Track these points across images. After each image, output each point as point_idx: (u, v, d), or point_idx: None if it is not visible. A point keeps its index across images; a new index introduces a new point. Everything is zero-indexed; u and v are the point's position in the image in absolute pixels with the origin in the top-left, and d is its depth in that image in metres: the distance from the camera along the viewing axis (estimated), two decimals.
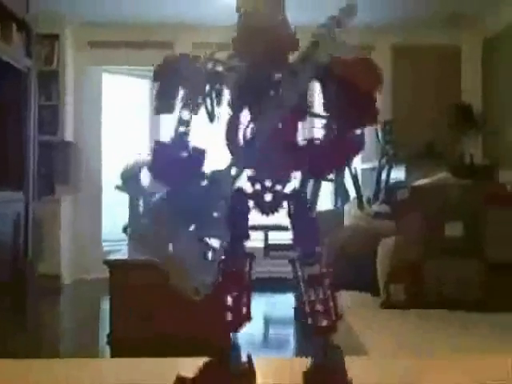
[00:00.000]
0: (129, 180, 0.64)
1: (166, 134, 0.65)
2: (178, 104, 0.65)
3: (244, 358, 0.68)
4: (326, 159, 0.64)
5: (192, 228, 0.56)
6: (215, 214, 0.56)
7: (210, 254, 0.56)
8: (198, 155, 0.62)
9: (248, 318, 0.66)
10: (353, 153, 0.65)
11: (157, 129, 7.15)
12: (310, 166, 0.65)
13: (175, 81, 0.65)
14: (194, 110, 0.64)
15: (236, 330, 0.67)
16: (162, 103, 0.66)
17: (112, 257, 4.10)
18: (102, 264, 3.96)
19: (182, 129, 0.64)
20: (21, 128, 4.65)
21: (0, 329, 4.06)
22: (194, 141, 0.64)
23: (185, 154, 0.62)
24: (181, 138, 0.63)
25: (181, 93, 0.65)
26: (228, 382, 0.66)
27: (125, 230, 0.60)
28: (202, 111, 0.65)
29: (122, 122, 7.35)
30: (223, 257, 0.64)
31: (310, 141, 0.64)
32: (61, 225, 6.58)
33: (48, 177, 6.62)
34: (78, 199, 6.98)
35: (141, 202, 0.61)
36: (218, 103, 0.65)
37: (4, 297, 4.31)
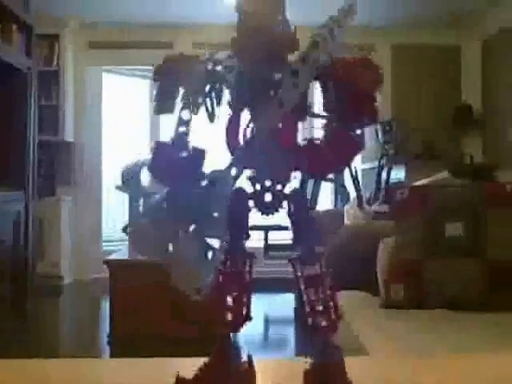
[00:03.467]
0: (129, 180, 0.64)
1: (166, 134, 0.65)
2: (178, 104, 0.65)
3: (244, 358, 0.68)
4: (326, 160, 0.64)
5: (192, 228, 0.56)
6: (215, 214, 0.56)
7: (209, 254, 0.56)
8: (198, 155, 0.63)
9: (248, 317, 0.66)
10: (352, 153, 0.65)
11: (157, 129, 7.16)
12: (309, 166, 0.65)
13: (175, 81, 0.65)
14: (194, 110, 0.64)
15: (236, 330, 0.67)
16: (163, 103, 0.66)
17: (112, 257, 4.10)
18: (102, 264, 3.97)
19: (182, 129, 0.64)
20: (21, 128, 4.65)
21: (0, 329, 4.05)
22: (195, 141, 0.64)
23: (184, 154, 0.63)
24: (181, 138, 0.63)
25: (181, 93, 0.65)
26: (228, 382, 0.66)
27: (125, 229, 0.60)
28: (202, 111, 0.65)
29: (122, 122, 7.36)
30: (223, 257, 0.64)
31: (310, 141, 0.65)
32: (61, 224, 6.59)
33: (49, 177, 6.62)
34: (78, 199, 6.98)
35: (141, 202, 0.61)
36: (218, 103, 0.66)
37: (4, 297, 4.31)
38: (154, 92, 0.67)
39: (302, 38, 0.63)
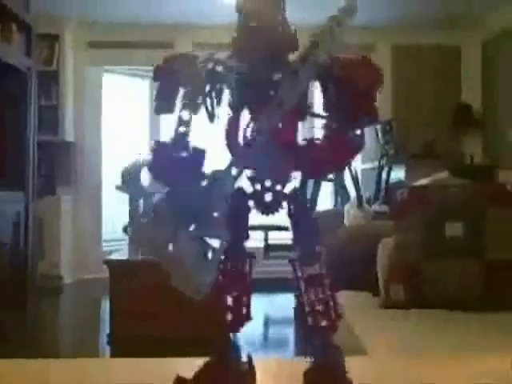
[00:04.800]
0: (129, 180, 0.64)
1: (166, 134, 0.65)
2: (178, 104, 0.64)
3: (244, 358, 0.68)
4: (326, 160, 0.64)
5: (192, 228, 0.56)
6: (215, 214, 0.56)
7: (209, 254, 0.56)
8: (198, 155, 0.63)
9: (248, 317, 0.66)
10: (352, 154, 0.65)
11: (157, 129, 7.16)
12: (309, 166, 0.65)
13: (175, 81, 0.65)
14: (194, 110, 0.64)
15: (236, 330, 0.67)
16: (162, 103, 0.66)
17: (112, 257, 4.11)
18: (102, 264, 3.97)
19: (181, 129, 0.63)
20: (21, 128, 4.65)
21: (0, 329, 4.05)
22: (195, 141, 0.64)
23: (184, 154, 0.62)
24: (181, 138, 0.63)
25: (181, 93, 0.65)
26: (228, 382, 0.66)
27: (125, 230, 0.60)
28: (203, 111, 0.65)
29: (122, 122, 7.35)
30: (223, 257, 0.64)
31: (310, 141, 0.64)
32: (61, 225, 6.59)
33: (49, 177, 6.62)
34: (78, 199, 6.98)
35: (141, 202, 0.61)
36: (218, 103, 0.65)
37: (4, 297, 4.31)
38: (154, 92, 0.67)
39: (302, 39, 0.63)
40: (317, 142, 0.64)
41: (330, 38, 0.62)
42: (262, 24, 0.63)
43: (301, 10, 4.49)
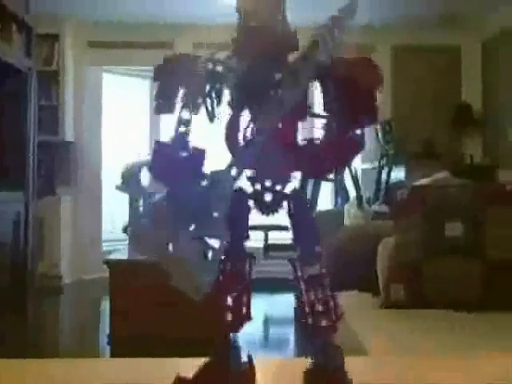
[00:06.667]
0: (129, 180, 0.64)
1: (166, 134, 0.64)
2: (179, 104, 0.64)
3: (244, 358, 0.68)
4: (326, 159, 0.64)
5: (192, 228, 0.56)
6: (215, 214, 0.56)
7: (209, 254, 0.56)
8: (198, 155, 0.62)
9: (248, 317, 0.66)
10: (353, 153, 0.65)
11: (157, 129, 7.16)
12: (309, 166, 0.65)
13: (175, 80, 0.65)
14: (194, 110, 0.64)
15: (236, 330, 0.67)
16: (162, 103, 0.66)
17: (112, 257, 4.11)
18: (102, 264, 3.97)
19: (182, 129, 0.63)
20: (21, 128, 4.65)
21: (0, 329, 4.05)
22: (194, 140, 0.63)
23: (185, 154, 0.62)
24: (181, 138, 0.63)
25: (181, 92, 0.64)
26: (228, 382, 0.65)
27: (125, 230, 0.60)
28: (203, 111, 0.65)
29: (122, 122, 7.35)
30: (223, 257, 0.64)
31: (310, 141, 0.64)
32: (61, 225, 6.58)
33: (48, 177, 6.62)
34: (78, 199, 6.98)
35: (141, 202, 0.61)
36: (218, 103, 0.65)
37: (4, 297, 4.31)
38: (154, 92, 0.67)
39: (303, 39, 0.63)
40: (317, 141, 0.64)
41: (330, 38, 0.62)
42: (261, 24, 0.63)
43: (302, 11, 4.49)
